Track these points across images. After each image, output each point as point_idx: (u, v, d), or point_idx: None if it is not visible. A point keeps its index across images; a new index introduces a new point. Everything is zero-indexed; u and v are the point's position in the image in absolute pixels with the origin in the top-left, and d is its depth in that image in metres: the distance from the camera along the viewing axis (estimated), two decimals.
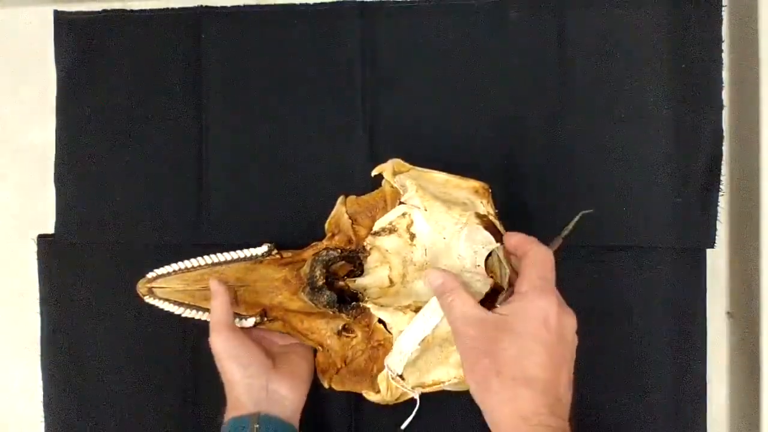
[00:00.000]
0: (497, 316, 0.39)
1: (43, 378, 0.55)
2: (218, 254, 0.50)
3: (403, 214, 0.48)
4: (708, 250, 0.50)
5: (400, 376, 0.45)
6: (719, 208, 0.50)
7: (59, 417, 0.55)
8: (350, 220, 0.49)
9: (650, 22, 0.50)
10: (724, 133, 0.50)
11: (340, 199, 0.50)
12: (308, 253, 0.50)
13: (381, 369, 0.47)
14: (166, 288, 0.50)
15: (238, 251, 0.50)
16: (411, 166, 0.48)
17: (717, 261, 0.51)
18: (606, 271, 0.50)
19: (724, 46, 0.50)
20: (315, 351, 0.50)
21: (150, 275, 0.50)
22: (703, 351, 0.50)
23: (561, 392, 0.38)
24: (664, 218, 0.50)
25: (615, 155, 0.50)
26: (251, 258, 0.50)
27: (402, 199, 0.47)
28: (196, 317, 0.50)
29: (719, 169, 0.50)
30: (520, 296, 0.40)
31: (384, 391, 0.47)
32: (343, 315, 0.48)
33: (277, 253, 0.50)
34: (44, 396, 0.55)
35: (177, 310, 0.50)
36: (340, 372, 0.49)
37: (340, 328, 0.49)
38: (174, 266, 0.51)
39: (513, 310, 0.39)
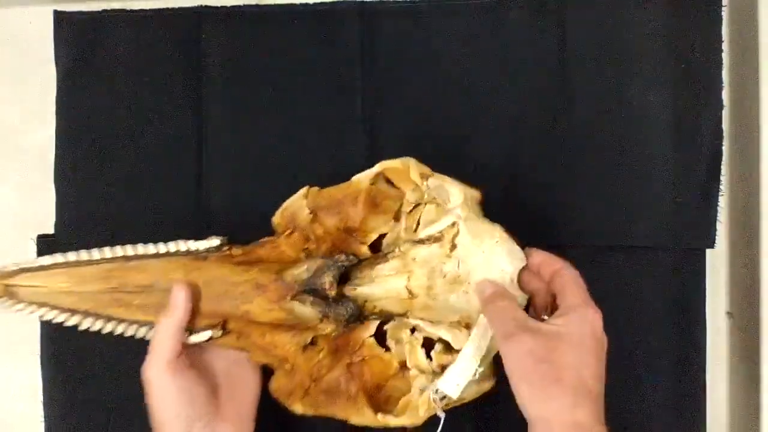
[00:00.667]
0: (551, 326, 0.39)
1: (43, 378, 0.55)
2: (137, 245, 0.42)
3: (453, 224, 0.45)
4: (708, 250, 0.50)
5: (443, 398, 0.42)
6: (719, 208, 0.50)
7: (59, 417, 0.55)
8: (310, 215, 0.45)
9: (650, 22, 0.50)
10: (724, 133, 0.50)
11: (303, 190, 0.46)
12: (265, 251, 0.44)
13: (366, 388, 0.44)
14: (41, 288, 0.40)
15: (172, 243, 0.42)
16: (430, 170, 0.45)
17: (717, 261, 0.51)
18: (606, 271, 0.50)
19: (724, 46, 0.50)
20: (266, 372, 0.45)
21: (10, 266, 0.40)
22: (703, 351, 0.50)
23: (602, 403, 0.39)
24: (664, 218, 0.50)
25: (615, 155, 0.50)
26: (192, 253, 0.42)
27: (449, 207, 0.45)
28: (98, 329, 0.41)
29: (719, 169, 0.50)
30: (569, 309, 0.40)
31: (422, 414, 0.43)
32: (337, 328, 0.44)
33: (228, 249, 0.43)
34: (44, 396, 0.55)
35: (59, 317, 0.41)
36: (310, 392, 0.44)
37: (308, 341, 0.44)
38: (57, 257, 0.41)
39: (566, 321, 0.40)
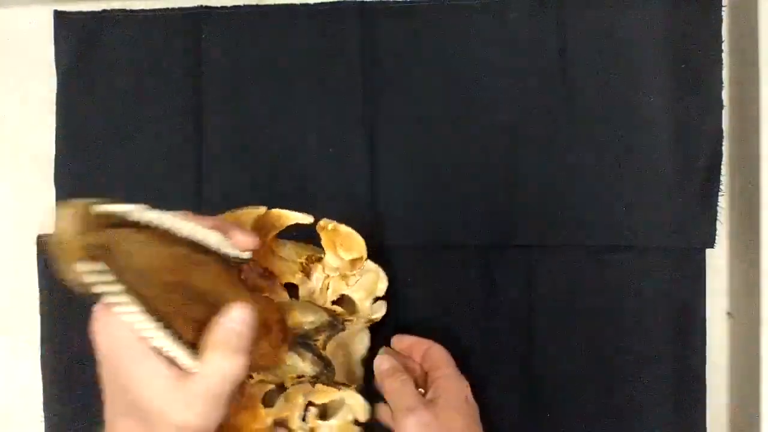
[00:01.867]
0: (437, 399, 0.44)
1: (43, 378, 0.55)
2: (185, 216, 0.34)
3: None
4: (708, 250, 0.50)
5: None
6: (719, 208, 0.50)
7: (59, 417, 0.55)
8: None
9: (650, 22, 0.50)
10: (724, 133, 0.50)
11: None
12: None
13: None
14: (135, 258, 0.30)
15: (213, 234, 0.35)
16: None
17: (717, 261, 0.51)
18: (606, 271, 0.50)
19: (724, 46, 0.50)
20: None
21: (104, 207, 0.31)
22: (703, 351, 0.50)
23: None
24: (664, 218, 0.50)
25: (615, 155, 0.50)
26: (226, 259, 0.35)
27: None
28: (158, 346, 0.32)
29: (719, 169, 0.50)
30: (444, 381, 0.45)
31: None
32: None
33: (249, 264, 0.38)
34: (44, 396, 0.55)
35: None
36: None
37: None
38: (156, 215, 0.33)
39: (446, 392, 0.44)
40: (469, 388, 0.45)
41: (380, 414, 0.48)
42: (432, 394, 0.44)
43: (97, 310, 0.36)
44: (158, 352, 0.33)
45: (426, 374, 0.47)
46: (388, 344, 0.49)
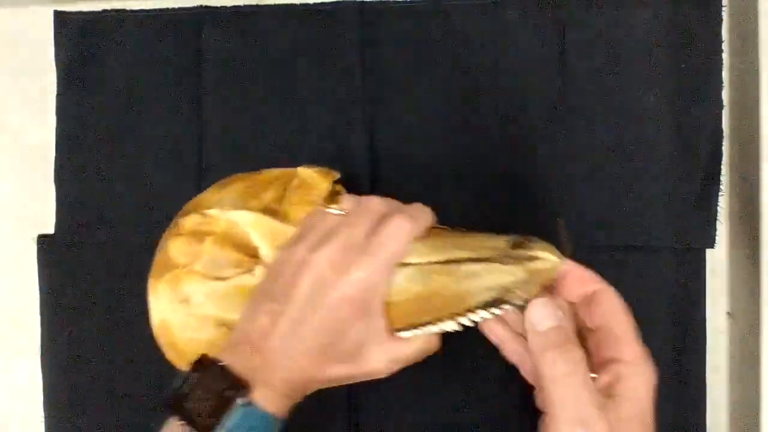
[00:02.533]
0: (614, 400, 0.32)
1: (43, 378, 0.55)
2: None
3: None
4: (708, 250, 0.50)
5: None
6: (719, 208, 0.50)
7: (59, 417, 0.55)
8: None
9: (650, 22, 0.50)
10: (724, 133, 0.50)
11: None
12: None
13: None
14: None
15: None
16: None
17: (717, 261, 0.51)
18: (605, 271, 0.50)
19: (724, 46, 0.50)
20: None
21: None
22: (703, 351, 0.50)
23: None
24: (664, 218, 0.50)
25: (615, 155, 0.50)
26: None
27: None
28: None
29: (719, 169, 0.50)
30: (629, 367, 0.33)
31: None
32: None
33: None
34: (44, 396, 0.55)
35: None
36: None
37: None
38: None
39: (627, 385, 0.33)
40: (655, 379, 0.33)
41: (502, 341, 0.38)
42: (608, 388, 0.32)
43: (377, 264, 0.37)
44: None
45: (583, 327, 0.35)
46: None
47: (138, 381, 0.54)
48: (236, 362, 0.36)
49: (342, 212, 0.39)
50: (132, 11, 0.54)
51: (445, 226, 0.42)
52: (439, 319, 0.37)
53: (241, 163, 0.53)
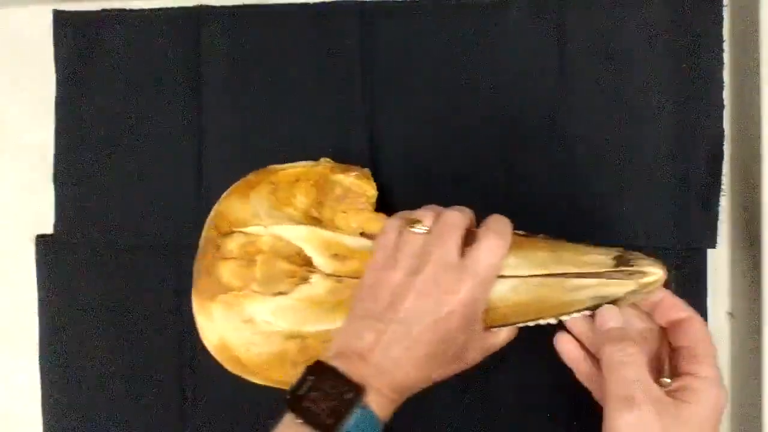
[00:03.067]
0: (678, 403, 0.35)
1: (41, 378, 0.55)
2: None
3: None
4: (709, 250, 0.50)
5: None
6: (720, 208, 0.50)
7: (58, 418, 0.55)
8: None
9: (650, 22, 0.50)
10: (725, 133, 0.50)
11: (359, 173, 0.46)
12: None
13: None
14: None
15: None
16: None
17: (718, 261, 0.51)
18: None
19: (725, 46, 0.50)
20: None
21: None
22: None
23: None
24: (664, 218, 0.50)
25: (615, 155, 0.50)
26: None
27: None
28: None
29: (720, 169, 0.50)
30: (703, 383, 0.35)
31: None
32: None
33: None
34: (43, 396, 0.55)
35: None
36: None
37: None
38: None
39: (697, 397, 0.35)
40: (725, 404, 0.35)
41: (574, 362, 0.40)
42: (680, 392, 0.35)
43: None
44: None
45: (670, 353, 0.37)
46: None
47: (137, 381, 0.54)
48: (349, 369, 0.37)
49: (425, 230, 0.40)
50: (132, 11, 0.54)
51: (523, 232, 0.43)
52: (537, 319, 0.40)
53: (240, 163, 0.53)
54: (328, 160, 0.49)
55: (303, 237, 0.44)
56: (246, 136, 0.53)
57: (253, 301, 0.45)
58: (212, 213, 0.48)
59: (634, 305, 0.38)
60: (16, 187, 0.57)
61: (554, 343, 0.41)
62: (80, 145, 0.54)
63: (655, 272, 0.37)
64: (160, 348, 0.53)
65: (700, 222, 0.49)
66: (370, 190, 0.46)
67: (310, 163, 0.49)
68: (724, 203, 0.50)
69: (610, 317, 0.37)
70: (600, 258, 0.38)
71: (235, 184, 0.49)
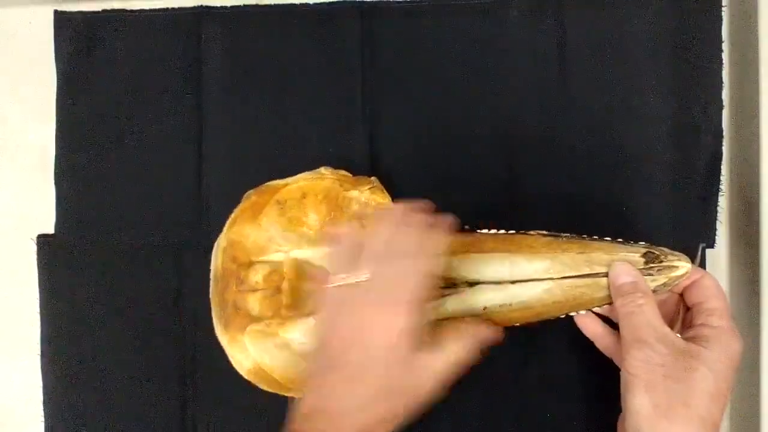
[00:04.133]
0: (691, 345, 0.36)
1: (42, 378, 0.55)
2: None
3: None
4: (708, 250, 0.50)
5: None
6: (719, 208, 0.50)
7: (59, 417, 0.55)
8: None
9: (650, 22, 0.50)
10: (724, 133, 0.50)
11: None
12: None
13: None
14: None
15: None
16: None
17: (717, 261, 0.51)
18: None
19: (724, 46, 0.50)
20: None
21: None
22: None
23: None
24: (664, 218, 0.50)
25: (615, 155, 0.50)
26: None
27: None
28: None
29: (719, 169, 0.50)
30: (713, 331, 0.37)
31: None
32: None
33: None
34: (44, 396, 0.55)
35: None
36: None
37: None
38: None
39: (709, 344, 0.36)
40: (740, 353, 0.36)
41: (596, 336, 0.41)
42: (693, 340, 0.35)
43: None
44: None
45: (687, 311, 0.38)
46: None
47: (137, 381, 0.54)
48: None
49: (364, 278, 0.39)
50: (132, 11, 0.54)
51: (547, 232, 0.43)
52: (571, 312, 0.41)
53: (240, 163, 0.53)
54: (327, 168, 0.49)
55: (324, 258, 0.44)
56: (246, 136, 0.53)
57: (285, 326, 0.45)
58: (224, 241, 0.47)
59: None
60: (16, 187, 0.57)
61: (575, 320, 0.41)
62: (80, 145, 0.54)
63: (684, 266, 0.39)
64: (160, 348, 0.53)
65: (699, 222, 0.50)
66: (383, 203, 0.47)
67: (310, 174, 0.49)
68: (723, 203, 0.50)
69: (623, 272, 0.37)
70: (630, 256, 0.39)
71: (240, 207, 0.48)
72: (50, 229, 0.55)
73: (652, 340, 0.35)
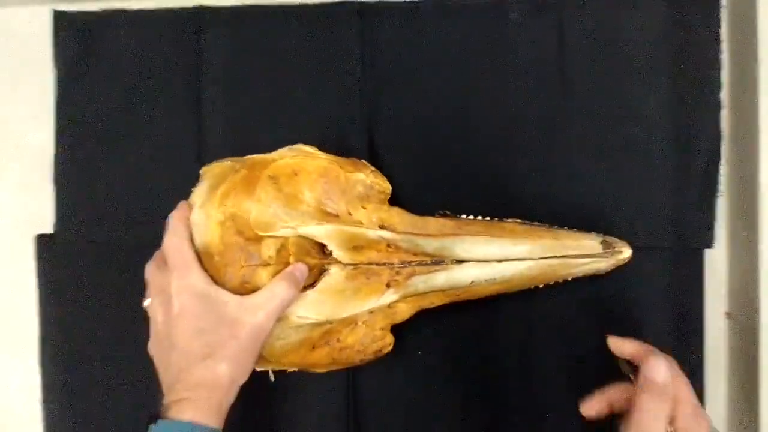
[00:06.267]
0: None
1: (42, 378, 0.55)
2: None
3: None
4: (706, 251, 0.50)
5: None
6: (718, 209, 0.50)
7: (58, 417, 0.55)
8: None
9: (649, 22, 0.50)
10: (723, 133, 0.50)
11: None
12: None
13: None
14: None
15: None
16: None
17: (716, 261, 0.51)
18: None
19: (723, 47, 0.50)
20: None
21: None
22: (701, 351, 0.50)
23: None
24: (663, 218, 0.50)
25: (614, 155, 0.50)
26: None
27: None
28: None
29: (718, 169, 0.50)
30: (685, 421, 0.39)
31: None
32: None
33: None
34: (43, 396, 0.55)
35: None
36: None
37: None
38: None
39: None
40: (709, 425, 0.40)
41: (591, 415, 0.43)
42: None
43: None
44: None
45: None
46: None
47: (137, 380, 0.54)
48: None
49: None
50: (132, 11, 0.54)
51: (529, 222, 0.48)
52: (544, 283, 0.48)
53: None
54: (304, 145, 0.49)
55: (329, 235, 0.45)
56: (246, 136, 0.53)
57: None
58: (218, 215, 0.46)
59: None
60: (16, 187, 0.57)
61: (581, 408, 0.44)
62: (80, 145, 0.54)
63: (627, 251, 0.47)
64: None
65: (697, 222, 0.50)
66: (387, 186, 0.48)
67: (288, 150, 0.48)
68: (722, 203, 0.50)
69: (660, 372, 0.39)
70: (592, 243, 0.47)
71: (231, 180, 0.47)
72: (50, 229, 0.55)
73: None
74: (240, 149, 0.53)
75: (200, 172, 0.49)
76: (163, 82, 0.54)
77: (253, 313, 0.43)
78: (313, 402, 0.52)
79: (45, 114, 0.55)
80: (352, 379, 0.52)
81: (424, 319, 0.49)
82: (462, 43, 0.51)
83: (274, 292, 0.43)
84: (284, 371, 0.48)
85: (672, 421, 0.39)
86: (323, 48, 0.53)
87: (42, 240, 0.55)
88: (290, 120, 0.53)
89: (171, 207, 0.53)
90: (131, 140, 0.54)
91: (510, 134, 0.51)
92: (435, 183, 0.51)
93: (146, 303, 0.45)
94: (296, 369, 0.48)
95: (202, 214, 0.46)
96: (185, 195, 0.53)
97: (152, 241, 0.53)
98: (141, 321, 0.53)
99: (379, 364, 0.48)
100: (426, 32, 0.52)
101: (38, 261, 0.55)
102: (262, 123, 0.53)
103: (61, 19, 0.55)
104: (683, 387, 0.40)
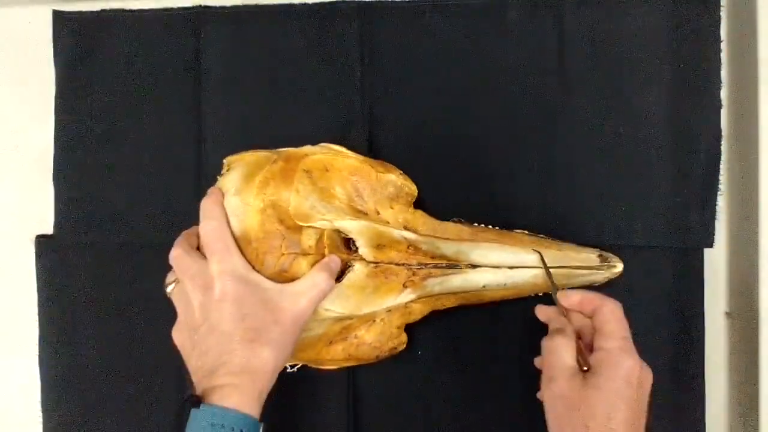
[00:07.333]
0: (587, 374, 0.40)
1: (41, 378, 0.55)
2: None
3: None
4: (706, 250, 0.50)
5: None
6: (718, 208, 0.50)
7: (57, 417, 0.55)
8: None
9: (649, 21, 0.50)
10: (723, 133, 0.50)
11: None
12: None
13: None
14: None
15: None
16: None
17: (715, 261, 0.51)
18: None
19: (723, 46, 0.50)
20: None
21: None
22: (701, 351, 0.50)
23: None
24: (663, 218, 0.50)
25: (614, 155, 0.50)
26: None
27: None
28: None
29: (718, 169, 0.50)
30: (605, 353, 0.41)
31: None
32: None
33: None
34: (42, 396, 0.55)
35: None
36: None
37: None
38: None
39: (602, 367, 0.40)
40: (638, 367, 0.40)
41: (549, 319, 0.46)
42: (592, 369, 0.40)
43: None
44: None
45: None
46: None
47: (136, 379, 0.54)
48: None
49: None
50: (131, 11, 0.54)
51: (524, 231, 0.50)
52: (540, 292, 0.49)
53: None
54: (327, 144, 0.50)
55: (361, 231, 0.46)
56: (245, 136, 0.53)
57: None
58: (257, 202, 0.45)
59: (580, 306, 0.45)
60: (16, 187, 0.57)
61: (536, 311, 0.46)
62: (80, 145, 0.54)
63: (619, 266, 0.49)
64: (159, 347, 0.53)
65: (697, 222, 0.50)
66: (414, 189, 0.49)
67: (319, 147, 0.49)
68: (722, 203, 0.50)
69: (538, 314, 0.45)
70: (591, 256, 0.49)
71: (269, 169, 0.46)
72: (50, 229, 0.55)
73: (557, 376, 0.40)
74: (240, 149, 0.53)
75: (224, 161, 0.49)
76: (163, 82, 0.54)
77: (296, 300, 0.43)
78: (313, 402, 0.52)
79: (45, 114, 0.55)
80: (352, 378, 0.52)
81: (424, 320, 0.49)
82: (462, 43, 0.52)
83: (315, 281, 0.44)
84: (284, 370, 0.48)
85: (594, 353, 0.41)
86: (323, 48, 0.53)
87: (42, 240, 0.55)
88: (290, 120, 0.53)
89: (171, 207, 0.53)
90: (131, 140, 0.54)
91: (509, 133, 0.51)
92: (434, 182, 0.51)
93: (170, 289, 0.45)
94: (307, 365, 0.48)
95: (239, 201, 0.46)
96: (185, 195, 0.53)
97: (152, 241, 0.53)
98: (141, 321, 0.54)
99: (379, 364, 0.48)
100: (426, 32, 0.52)
101: (38, 261, 0.55)
102: (262, 123, 0.53)
103: (61, 19, 0.55)
104: (612, 322, 0.41)
